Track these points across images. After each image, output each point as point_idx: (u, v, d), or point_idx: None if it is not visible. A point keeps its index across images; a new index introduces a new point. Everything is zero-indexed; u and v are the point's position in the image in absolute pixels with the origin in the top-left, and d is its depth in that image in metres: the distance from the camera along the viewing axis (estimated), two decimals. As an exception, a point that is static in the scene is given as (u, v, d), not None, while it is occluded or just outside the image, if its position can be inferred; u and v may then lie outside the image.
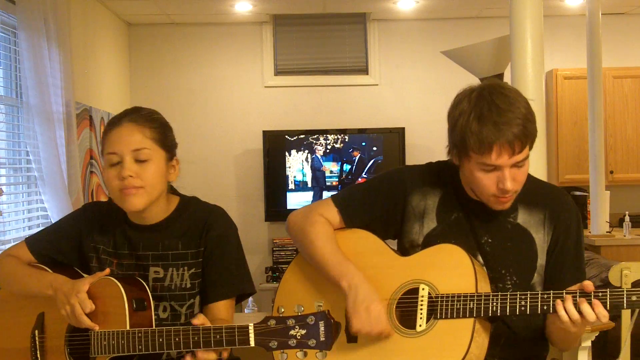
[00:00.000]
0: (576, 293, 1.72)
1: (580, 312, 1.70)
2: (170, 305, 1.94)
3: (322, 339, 1.57)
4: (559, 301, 1.72)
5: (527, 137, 1.78)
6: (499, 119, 1.75)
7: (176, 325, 1.89)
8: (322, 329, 1.57)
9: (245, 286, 1.98)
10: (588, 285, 1.71)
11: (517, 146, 1.76)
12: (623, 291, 1.70)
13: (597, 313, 1.69)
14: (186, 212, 1.98)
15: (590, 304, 1.70)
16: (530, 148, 1.83)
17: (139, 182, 1.85)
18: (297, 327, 1.58)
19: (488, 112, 1.76)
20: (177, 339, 1.73)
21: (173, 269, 1.93)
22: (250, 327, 1.63)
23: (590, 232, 5.70)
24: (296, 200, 6.21)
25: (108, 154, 1.87)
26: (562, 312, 1.71)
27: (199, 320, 1.74)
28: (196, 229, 1.95)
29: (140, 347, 1.78)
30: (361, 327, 1.82)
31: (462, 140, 1.79)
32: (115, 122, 1.90)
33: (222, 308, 1.94)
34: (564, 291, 1.74)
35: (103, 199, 5.17)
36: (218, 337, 1.69)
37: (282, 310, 1.63)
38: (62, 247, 2.02)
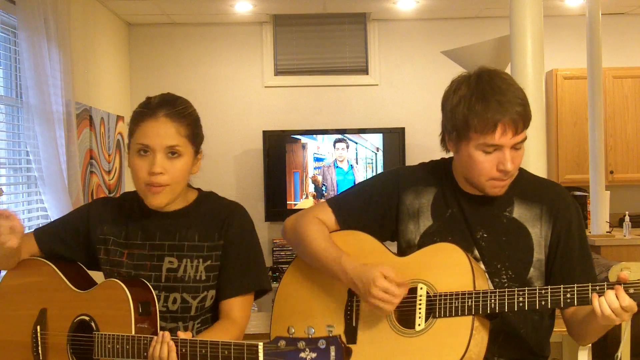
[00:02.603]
0: (603, 285, 1.71)
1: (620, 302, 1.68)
2: (181, 296, 1.92)
3: None
4: (595, 295, 1.70)
5: (527, 118, 1.82)
6: (502, 98, 1.79)
7: (185, 317, 1.90)
8: (332, 353, 1.54)
9: (262, 283, 1.98)
10: (623, 277, 1.70)
11: (520, 125, 1.80)
12: (620, 285, 1.69)
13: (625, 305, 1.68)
14: (205, 204, 1.98)
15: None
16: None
17: (167, 179, 1.85)
18: (307, 349, 1.55)
19: (491, 92, 1.79)
20: (183, 350, 1.72)
21: (187, 260, 1.92)
22: (259, 347, 1.61)
23: (590, 232, 5.70)
24: (296, 200, 6.22)
25: (140, 144, 1.86)
26: (603, 305, 1.68)
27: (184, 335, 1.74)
28: (216, 222, 1.94)
29: (145, 353, 1.76)
30: (385, 308, 1.82)
31: (464, 122, 1.81)
32: (150, 113, 1.87)
33: (237, 305, 1.93)
34: (575, 285, 1.72)
35: (103, 199, 5.17)
36: (226, 352, 1.68)
37: (293, 330, 1.62)
38: (68, 240, 2.02)
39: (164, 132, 1.86)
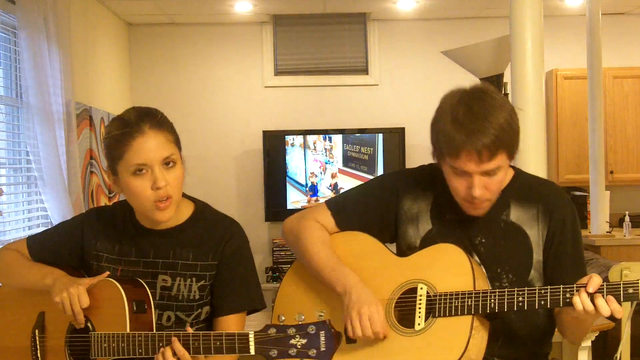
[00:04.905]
0: (584, 286, 1.70)
1: (594, 304, 1.69)
2: (175, 314, 1.92)
3: (322, 349, 1.56)
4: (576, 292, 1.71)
5: (498, 148, 1.76)
6: (471, 126, 1.74)
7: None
8: (322, 338, 1.56)
9: (256, 302, 1.96)
10: (597, 281, 1.70)
11: (486, 155, 1.75)
12: (619, 284, 1.70)
13: (612, 309, 1.68)
14: (201, 221, 1.95)
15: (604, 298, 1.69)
16: (510, 158, 1.82)
17: (171, 190, 1.82)
18: (297, 336, 1.57)
19: (463, 118, 1.76)
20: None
21: (180, 279, 1.91)
22: (250, 335, 1.62)
23: (590, 232, 5.70)
24: (296, 199, 6.22)
25: (136, 164, 1.80)
26: (576, 301, 1.70)
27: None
28: (211, 241, 1.92)
29: (140, 350, 1.77)
30: (355, 331, 1.83)
31: (437, 141, 1.82)
32: (135, 130, 1.81)
33: (232, 323, 1.92)
34: (575, 285, 1.72)
35: (103, 198, 5.18)
36: (218, 343, 1.68)
37: (283, 318, 1.63)
38: (62, 252, 2.00)
39: (155, 145, 1.81)
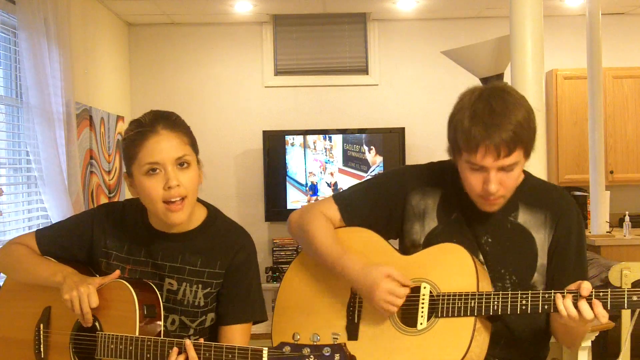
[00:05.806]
0: (577, 293, 1.72)
1: (578, 310, 1.70)
2: (180, 319, 1.91)
3: None
4: (558, 295, 1.72)
5: (515, 144, 1.77)
6: (490, 121, 1.75)
7: (182, 337, 1.86)
8: None
9: (262, 314, 1.95)
10: (587, 287, 1.71)
11: (503, 151, 1.76)
12: (624, 291, 1.69)
13: (596, 313, 1.69)
14: (212, 228, 1.94)
15: (590, 303, 1.69)
16: (527, 156, 1.82)
17: (184, 191, 1.81)
18: (312, 356, 1.55)
19: (481, 113, 1.76)
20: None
21: (186, 285, 1.90)
22: (264, 352, 1.61)
23: (590, 232, 5.70)
24: (296, 199, 6.22)
25: (148, 163, 1.80)
26: (560, 307, 1.71)
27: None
28: (221, 250, 1.91)
29: (148, 355, 1.75)
30: (386, 311, 1.83)
31: (454, 136, 1.81)
32: (149, 130, 1.81)
33: (237, 333, 1.91)
34: (565, 290, 1.73)
35: (103, 199, 5.18)
36: (230, 356, 1.67)
37: (298, 337, 1.62)
38: (72, 248, 1.98)
39: (169, 145, 1.81)
